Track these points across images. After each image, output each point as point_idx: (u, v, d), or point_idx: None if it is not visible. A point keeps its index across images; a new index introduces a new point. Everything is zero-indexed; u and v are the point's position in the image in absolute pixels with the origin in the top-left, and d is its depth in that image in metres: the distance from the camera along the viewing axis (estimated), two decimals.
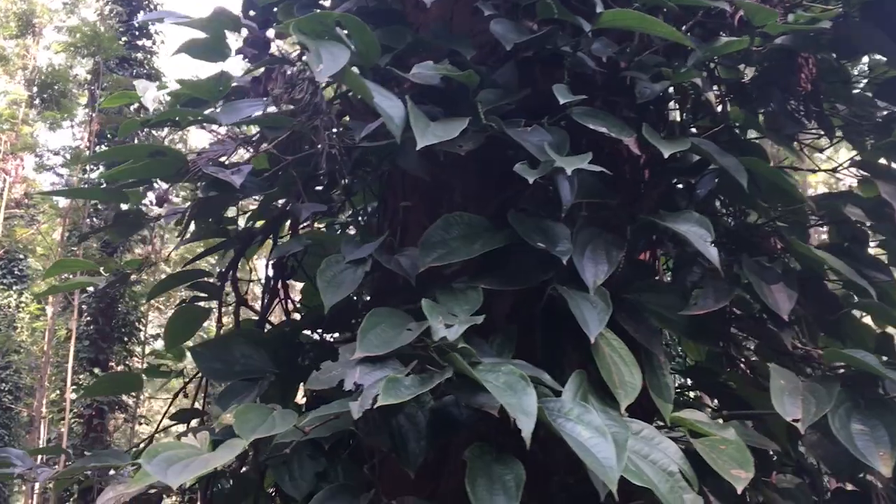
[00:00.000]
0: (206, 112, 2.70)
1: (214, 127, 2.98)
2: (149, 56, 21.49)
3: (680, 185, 2.45)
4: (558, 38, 2.29)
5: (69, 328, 20.28)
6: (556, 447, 1.86)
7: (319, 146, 2.45)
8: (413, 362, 1.86)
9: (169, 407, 3.23)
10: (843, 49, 2.55)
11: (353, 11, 2.58)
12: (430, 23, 2.82)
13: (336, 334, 3.16)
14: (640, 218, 2.20)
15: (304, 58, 2.38)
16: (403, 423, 1.95)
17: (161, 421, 3.34)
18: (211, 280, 3.08)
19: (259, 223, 3.34)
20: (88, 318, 19.69)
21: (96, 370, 19.28)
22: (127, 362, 21.03)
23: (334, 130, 2.46)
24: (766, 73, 2.55)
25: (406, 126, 2.00)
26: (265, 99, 2.25)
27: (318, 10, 2.38)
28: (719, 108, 2.65)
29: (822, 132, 2.67)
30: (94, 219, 19.32)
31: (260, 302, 3.17)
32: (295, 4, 2.45)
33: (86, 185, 19.85)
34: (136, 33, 21.12)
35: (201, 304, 3.13)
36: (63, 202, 21.98)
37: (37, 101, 22.78)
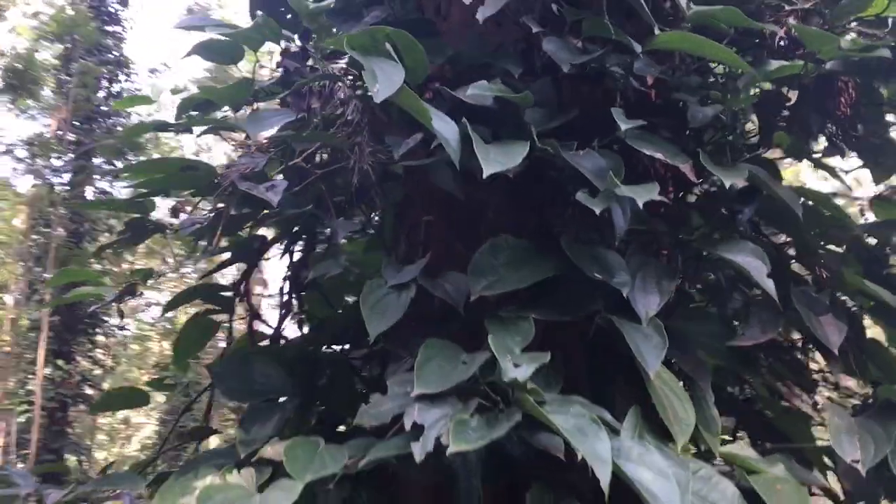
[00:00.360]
0: (229, 119, 2.61)
1: (232, 135, 2.88)
2: (118, 42, 21.05)
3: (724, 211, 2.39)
4: (607, 58, 2.22)
5: (32, 318, 19.85)
6: (613, 487, 1.81)
7: (352, 161, 2.36)
8: (472, 399, 1.78)
9: (175, 424, 3.12)
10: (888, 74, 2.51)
11: (385, 21, 2.49)
12: (452, 31, 2.74)
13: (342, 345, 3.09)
14: (693, 247, 2.15)
15: (336, 70, 2.29)
16: (455, 460, 1.88)
17: (169, 435, 3.23)
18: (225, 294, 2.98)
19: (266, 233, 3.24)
20: (52, 309, 19.30)
21: (60, 362, 18.91)
22: (90, 354, 20.67)
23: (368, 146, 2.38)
24: (804, 96, 2.50)
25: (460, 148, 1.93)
26: (301, 112, 2.15)
27: (370, 26, 2.28)
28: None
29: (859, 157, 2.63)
30: (62, 209, 18.89)
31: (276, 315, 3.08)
32: (335, 18, 2.35)
33: (51, 172, 19.44)
34: (106, 19, 20.66)
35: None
36: (26, 189, 21.48)
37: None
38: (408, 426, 1.70)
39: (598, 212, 1.85)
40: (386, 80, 1.84)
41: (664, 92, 2.32)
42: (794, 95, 2.48)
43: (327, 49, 2.34)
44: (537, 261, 2.09)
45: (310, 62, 2.30)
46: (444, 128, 1.91)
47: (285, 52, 2.30)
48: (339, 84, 2.15)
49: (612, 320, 2.00)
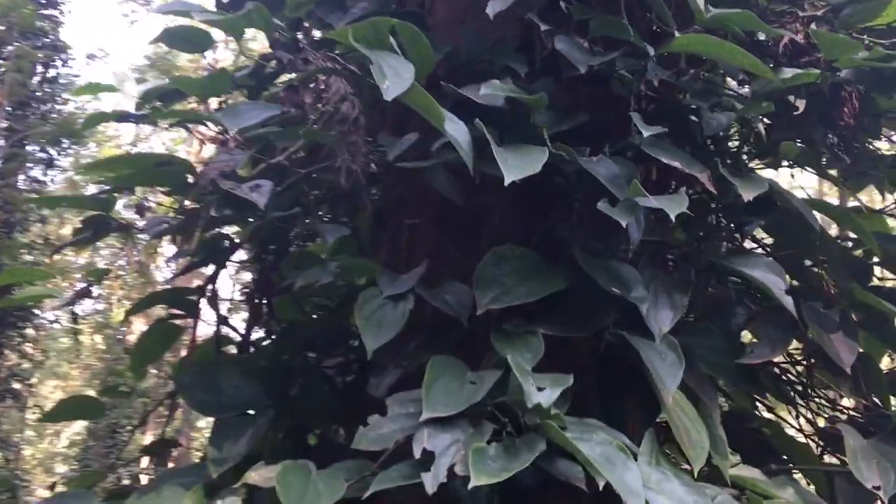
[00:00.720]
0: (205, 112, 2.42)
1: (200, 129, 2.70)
2: (55, 27, 20.29)
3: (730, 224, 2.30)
4: (619, 61, 2.10)
5: None
6: None
7: (339, 161, 2.20)
8: (481, 423, 1.64)
9: (135, 429, 2.91)
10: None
11: (373, 14, 2.33)
12: (437, 27, 2.59)
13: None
14: (708, 260, 2.04)
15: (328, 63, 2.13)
16: (461, 489, 1.74)
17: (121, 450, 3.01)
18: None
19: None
20: None
21: None
22: (19, 348, 19.90)
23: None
24: (811, 105, 2.42)
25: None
26: (292, 107, 1.98)
27: (357, 18, 2.13)
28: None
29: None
30: None
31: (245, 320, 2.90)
32: (321, 8, 2.18)
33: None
34: (43, 2, 19.90)
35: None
36: None
37: None
38: (417, 453, 1.56)
39: (624, 224, 1.72)
40: (396, 77, 1.69)
41: (671, 98, 2.21)
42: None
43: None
44: (546, 272, 1.96)
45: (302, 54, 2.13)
46: (456, 130, 1.77)
47: (276, 43, 2.13)
48: (334, 78, 1.98)
49: (625, 336, 1.89)
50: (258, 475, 1.77)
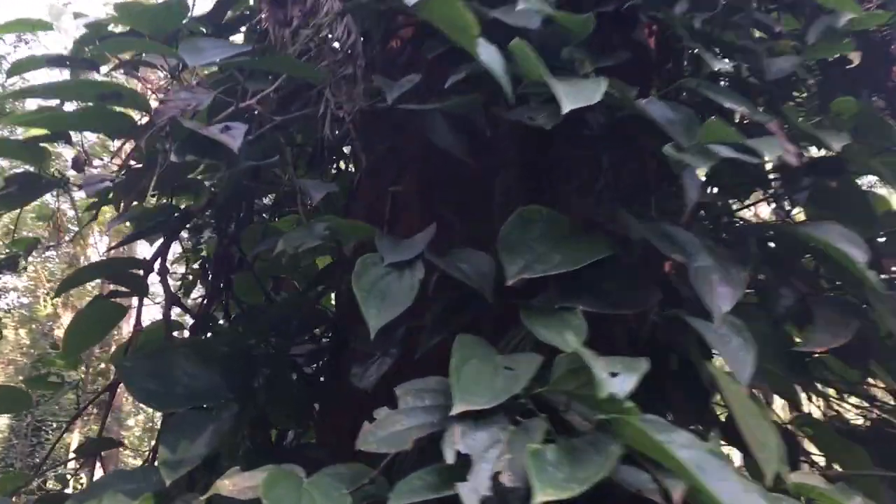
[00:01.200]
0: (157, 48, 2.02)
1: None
2: None
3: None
4: None
5: None
6: None
7: (323, 106, 1.84)
8: (523, 419, 1.30)
9: (67, 427, 2.48)
10: None
11: None
12: None
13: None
14: (777, 227, 1.72)
15: None
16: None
17: (51, 450, 2.58)
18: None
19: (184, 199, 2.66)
20: None
21: None
22: None
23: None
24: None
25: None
26: (278, 26, 1.60)
27: None
28: None
29: None
30: None
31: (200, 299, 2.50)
32: None
33: None
34: None
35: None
36: None
37: None
38: (450, 457, 1.20)
39: (702, 172, 1.39)
40: None
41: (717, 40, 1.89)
42: None
43: None
44: (583, 237, 1.61)
45: None
46: (490, 54, 1.41)
47: None
48: None
49: (679, 316, 1.56)
50: (233, 484, 1.39)
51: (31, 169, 2.10)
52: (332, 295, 2.62)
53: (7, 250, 2.59)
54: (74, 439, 15.24)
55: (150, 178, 1.76)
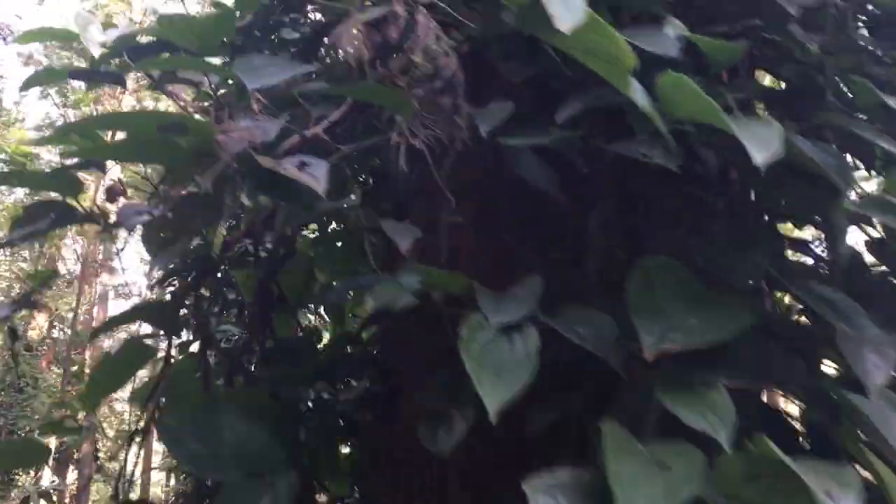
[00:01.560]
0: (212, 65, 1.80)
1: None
2: None
3: None
4: None
5: None
6: None
7: (395, 135, 1.62)
8: None
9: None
10: None
11: None
12: None
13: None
14: None
15: None
16: None
17: None
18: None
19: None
20: None
21: None
22: None
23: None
24: None
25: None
26: (384, 42, 1.38)
27: None
28: None
29: None
30: None
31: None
32: None
33: None
34: None
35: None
36: None
37: None
38: None
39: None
40: (563, 5, 1.11)
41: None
42: None
43: None
44: (719, 300, 1.40)
45: None
46: (637, 89, 1.20)
47: None
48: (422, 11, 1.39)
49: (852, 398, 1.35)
50: None
51: (57, 196, 1.86)
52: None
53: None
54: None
55: (208, 217, 1.53)
